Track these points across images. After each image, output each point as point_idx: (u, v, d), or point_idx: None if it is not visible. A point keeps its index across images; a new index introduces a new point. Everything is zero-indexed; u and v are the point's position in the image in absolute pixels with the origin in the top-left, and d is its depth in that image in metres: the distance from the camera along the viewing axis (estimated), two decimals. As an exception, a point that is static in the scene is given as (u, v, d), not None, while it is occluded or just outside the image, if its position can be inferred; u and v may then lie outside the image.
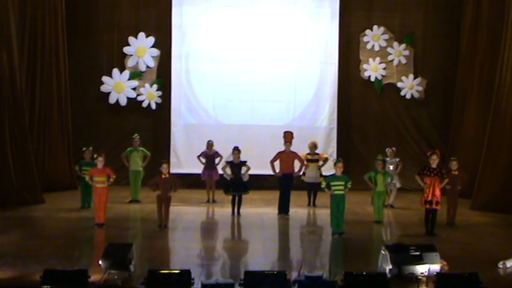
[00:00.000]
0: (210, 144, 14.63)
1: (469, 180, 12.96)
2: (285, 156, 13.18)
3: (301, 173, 13.63)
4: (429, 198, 11.23)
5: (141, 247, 9.66)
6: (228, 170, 13.09)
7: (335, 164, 11.71)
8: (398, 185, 14.12)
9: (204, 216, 13.62)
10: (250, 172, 13.17)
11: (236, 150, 13.07)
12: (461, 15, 16.75)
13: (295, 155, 13.23)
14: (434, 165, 11.37)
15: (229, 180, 13.10)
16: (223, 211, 13.50)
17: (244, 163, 13.04)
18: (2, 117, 13.49)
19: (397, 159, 14.09)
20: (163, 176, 11.51)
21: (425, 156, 13.34)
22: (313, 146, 14.32)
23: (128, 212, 13.66)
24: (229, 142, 14.35)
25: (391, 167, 13.78)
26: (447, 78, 17.34)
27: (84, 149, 13.58)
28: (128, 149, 14.68)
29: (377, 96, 17.59)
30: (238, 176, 12.94)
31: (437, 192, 11.28)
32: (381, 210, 12.36)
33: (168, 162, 12.12)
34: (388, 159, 13.84)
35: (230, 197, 13.14)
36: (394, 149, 14.32)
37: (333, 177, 11.59)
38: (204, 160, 14.65)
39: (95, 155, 12.29)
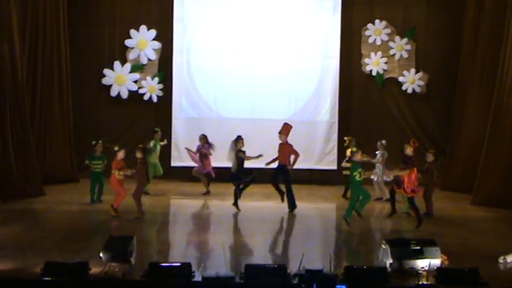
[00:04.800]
0: (199, 137, 14.85)
1: (469, 175, 12.86)
2: (279, 148, 13.12)
3: (295, 166, 13.44)
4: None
5: (142, 240, 9.66)
6: None
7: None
8: (375, 179, 13.95)
9: (205, 209, 13.62)
10: (250, 166, 13.13)
11: (240, 138, 12.96)
12: (463, 10, 16.71)
13: (289, 148, 13.03)
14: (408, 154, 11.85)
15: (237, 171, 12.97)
16: (224, 204, 13.50)
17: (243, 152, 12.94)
18: (3, 109, 13.47)
19: (381, 152, 14.01)
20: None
21: (425, 151, 13.38)
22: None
23: (130, 204, 13.63)
24: (230, 136, 14.31)
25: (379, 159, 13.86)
26: (449, 72, 17.30)
27: (94, 142, 13.42)
28: (152, 142, 14.68)
29: (378, 91, 17.57)
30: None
31: (406, 179, 11.37)
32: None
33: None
34: (378, 151, 13.92)
35: (226, 190, 13.15)
36: (383, 141, 14.27)
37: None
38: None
39: (116, 148, 12.25)
